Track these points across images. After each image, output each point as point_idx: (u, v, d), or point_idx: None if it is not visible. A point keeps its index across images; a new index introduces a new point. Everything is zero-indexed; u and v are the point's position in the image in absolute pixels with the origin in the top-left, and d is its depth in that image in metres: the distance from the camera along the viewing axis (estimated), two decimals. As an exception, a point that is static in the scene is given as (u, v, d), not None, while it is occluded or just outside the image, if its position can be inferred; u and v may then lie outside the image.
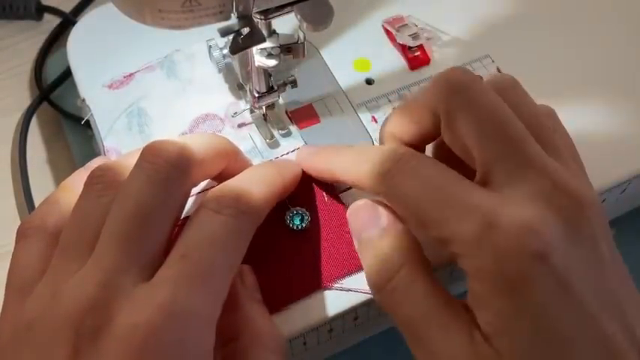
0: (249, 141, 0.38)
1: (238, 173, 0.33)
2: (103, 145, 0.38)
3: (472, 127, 0.28)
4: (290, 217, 0.34)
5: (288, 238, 0.34)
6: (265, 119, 0.39)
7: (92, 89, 0.41)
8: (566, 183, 0.27)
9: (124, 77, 0.41)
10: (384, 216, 0.31)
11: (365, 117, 0.39)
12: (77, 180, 0.33)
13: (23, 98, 0.50)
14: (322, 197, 0.35)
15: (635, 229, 0.46)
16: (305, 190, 0.35)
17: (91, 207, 0.29)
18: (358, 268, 0.33)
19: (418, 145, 0.33)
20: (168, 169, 0.29)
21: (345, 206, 0.35)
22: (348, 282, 0.34)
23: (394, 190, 0.29)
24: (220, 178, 0.33)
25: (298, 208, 0.35)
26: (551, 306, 0.25)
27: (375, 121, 0.39)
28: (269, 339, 0.30)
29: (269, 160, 0.37)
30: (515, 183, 0.27)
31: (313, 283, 0.33)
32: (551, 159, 0.28)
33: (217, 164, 0.33)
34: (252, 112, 0.39)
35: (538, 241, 0.25)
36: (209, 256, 0.27)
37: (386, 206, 0.31)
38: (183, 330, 0.25)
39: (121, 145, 0.38)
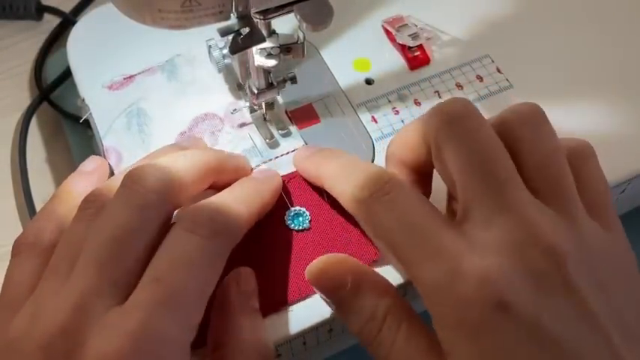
0: (248, 141, 0.38)
1: (230, 183, 0.33)
2: (102, 145, 0.38)
3: (457, 162, 0.28)
4: (290, 217, 0.35)
5: (288, 238, 0.34)
6: (265, 119, 0.39)
7: (92, 89, 0.41)
8: (542, 234, 0.26)
9: (124, 79, 0.41)
10: (350, 273, 0.31)
11: (365, 117, 0.39)
12: (72, 189, 0.34)
13: (23, 98, 0.50)
14: (322, 196, 0.35)
15: (635, 229, 0.46)
16: (305, 189, 0.35)
17: (80, 231, 0.30)
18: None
19: (420, 170, 0.32)
20: (146, 194, 0.29)
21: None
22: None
23: (371, 218, 0.29)
24: (212, 188, 0.33)
25: (298, 207, 0.35)
26: (520, 352, 0.25)
27: (375, 121, 0.39)
28: (252, 351, 0.30)
29: (249, 177, 0.35)
30: (490, 227, 0.27)
31: (297, 290, 0.33)
32: (537, 205, 0.27)
33: (201, 184, 0.32)
34: (252, 111, 0.39)
35: (497, 291, 0.25)
36: (182, 280, 0.27)
37: (345, 260, 0.32)
38: (153, 357, 0.25)
39: (120, 145, 0.38)
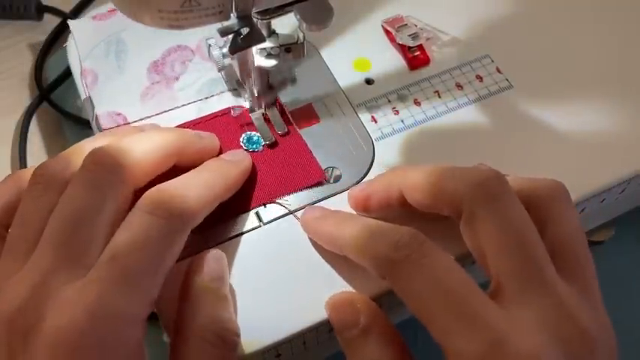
0: (214, 72, 0.40)
1: (200, 163, 0.34)
2: (81, 66, 0.41)
3: (494, 237, 0.28)
4: (245, 139, 0.38)
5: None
6: (265, 119, 0.39)
7: (78, 21, 0.43)
8: (576, 315, 0.27)
9: (109, 11, 0.43)
10: (363, 315, 0.31)
11: (364, 117, 0.39)
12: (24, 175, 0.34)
13: (23, 98, 0.50)
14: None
15: (635, 229, 0.46)
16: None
17: (32, 207, 0.30)
18: (302, 187, 0.37)
19: (408, 209, 0.32)
20: (105, 175, 0.30)
21: (301, 136, 0.38)
22: (292, 200, 0.36)
23: (401, 282, 0.29)
24: (179, 168, 0.33)
25: (254, 133, 0.38)
26: None
27: (375, 121, 0.39)
28: (210, 333, 0.30)
29: (218, 159, 0.36)
30: (526, 304, 0.27)
31: (262, 196, 0.36)
32: (566, 286, 0.28)
33: (161, 165, 0.33)
34: (251, 111, 0.39)
35: None
36: (137, 258, 0.28)
37: (364, 301, 0.32)
38: (107, 330, 0.26)
39: (97, 68, 0.41)
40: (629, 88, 0.41)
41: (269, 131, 0.38)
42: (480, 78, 0.41)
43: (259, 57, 0.35)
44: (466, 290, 0.27)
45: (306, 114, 0.39)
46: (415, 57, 0.41)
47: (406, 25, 0.42)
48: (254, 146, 0.38)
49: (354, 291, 0.33)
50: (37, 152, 0.47)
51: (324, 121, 0.39)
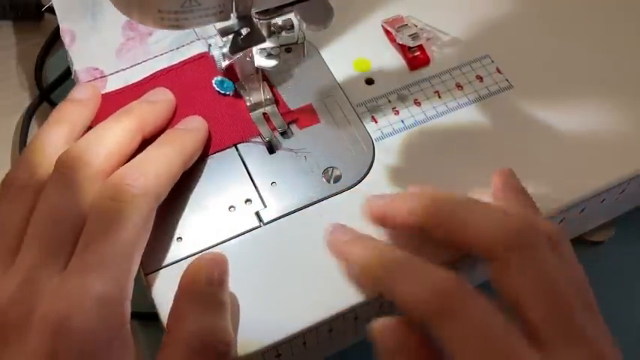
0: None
1: (161, 130, 0.36)
2: (60, 26, 0.43)
3: (529, 285, 0.29)
4: (218, 82, 0.39)
5: (216, 98, 0.39)
6: (265, 117, 0.39)
7: None
8: (604, 352, 0.29)
9: None
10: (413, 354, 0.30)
11: (365, 117, 0.39)
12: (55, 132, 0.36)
13: (23, 98, 0.50)
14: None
15: (635, 229, 0.46)
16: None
17: (7, 212, 0.33)
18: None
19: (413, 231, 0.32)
20: (76, 177, 0.32)
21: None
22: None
23: (443, 330, 0.28)
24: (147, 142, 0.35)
25: (225, 78, 0.39)
26: None
27: (375, 121, 0.39)
28: (198, 342, 0.30)
29: (174, 130, 0.37)
30: (563, 347, 0.28)
31: (235, 136, 0.38)
32: (590, 326, 0.29)
33: (128, 151, 0.35)
34: (252, 110, 0.39)
35: None
36: (108, 244, 0.30)
37: (416, 335, 0.30)
38: (91, 314, 0.28)
39: (75, 28, 0.43)
40: (629, 88, 0.41)
41: (268, 130, 0.38)
42: (480, 78, 0.41)
43: (259, 57, 0.35)
44: (509, 338, 0.28)
45: (306, 114, 0.39)
46: (415, 57, 0.41)
47: (406, 25, 0.42)
48: (226, 90, 0.39)
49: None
50: (37, 152, 0.47)
51: (324, 121, 0.39)
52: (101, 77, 0.41)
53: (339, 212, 0.36)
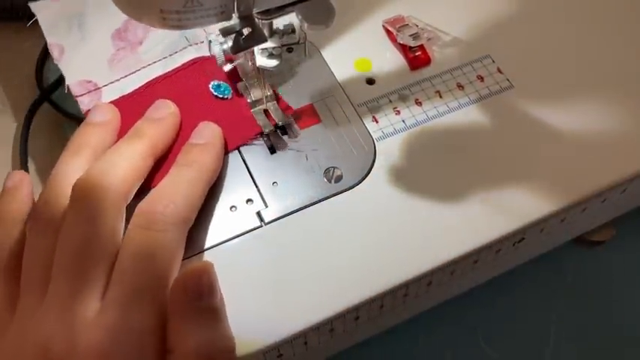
0: (176, 34, 0.41)
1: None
2: (47, 41, 0.42)
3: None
4: (214, 86, 0.39)
5: (215, 103, 0.39)
6: (266, 114, 0.39)
7: (40, 3, 0.44)
8: None
9: None
10: None
11: (366, 117, 0.39)
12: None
13: (24, 98, 0.50)
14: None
15: (635, 229, 0.46)
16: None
17: (37, 246, 0.33)
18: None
19: None
20: (93, 206, 0.31)
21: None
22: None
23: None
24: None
25: (222, 82, 0.39)
26: None
27: (376, 121, 0.39)
28: (196, 356, 0.30)
29: (191, 146, 0.36)
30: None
31: (237, 140, 0.38)
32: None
33: (142, 173, 0.35)
34: (252, 107, 0.39)
35: None
36: (142, 274, 0.30)
37: None
38: (129, 345, 0.29)
39: (62, 42, 0.42)
40: (630, 88, 0.41)
41: (269, 124, 0.38)
42: (481, 78, 0.41)
43: (261, 57, 0.35)
44: None
45: (307, 114, 0.39)
46: (416, 57, 0.41)
47: (407, 25, 0.42)
48: (223, 93, 0.39)
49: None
50: (38, 152, 0.47)
51: (325, 121, 0.39)
52: (95, 90, 0.40)
53: (340, 212, 0.36)
